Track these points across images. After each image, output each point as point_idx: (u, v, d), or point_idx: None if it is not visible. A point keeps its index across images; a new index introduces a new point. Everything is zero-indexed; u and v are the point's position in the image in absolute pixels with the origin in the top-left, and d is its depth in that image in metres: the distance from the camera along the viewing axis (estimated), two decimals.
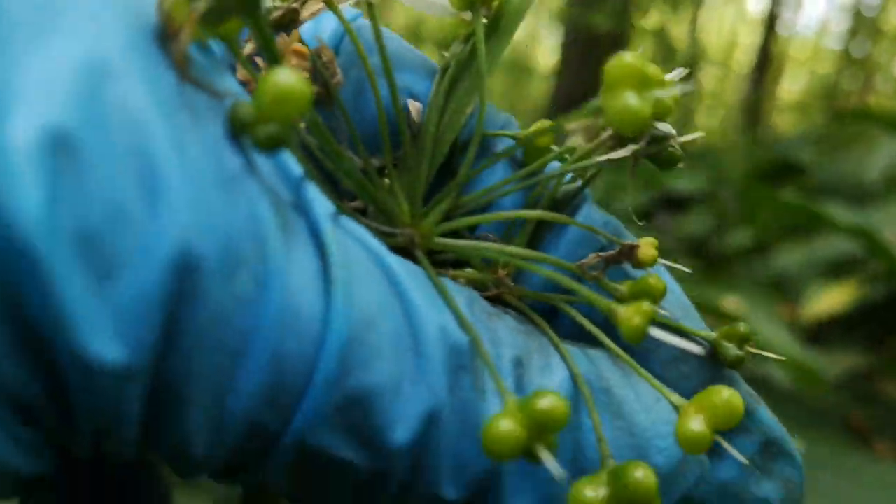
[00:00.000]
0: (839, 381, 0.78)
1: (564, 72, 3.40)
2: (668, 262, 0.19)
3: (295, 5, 0.17)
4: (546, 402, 0.12)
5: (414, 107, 0.18)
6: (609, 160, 0.17)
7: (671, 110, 0.16)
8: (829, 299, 1.02)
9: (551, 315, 0.18)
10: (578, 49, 3.06)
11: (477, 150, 0.18)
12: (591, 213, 0.19)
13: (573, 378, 0.16)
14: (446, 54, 0.19)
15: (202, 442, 0.13)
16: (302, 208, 0.14)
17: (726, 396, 0.15)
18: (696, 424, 0.15)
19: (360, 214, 0.17)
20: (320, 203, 0.14)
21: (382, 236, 0.15)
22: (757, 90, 4.71)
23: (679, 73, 0.17)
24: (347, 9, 0.18)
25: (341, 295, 0.13)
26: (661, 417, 0.16)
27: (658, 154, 0.18)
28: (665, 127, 0.17)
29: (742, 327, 0.18)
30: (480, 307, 0.16)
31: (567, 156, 0.18)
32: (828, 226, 0.75)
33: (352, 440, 0.13)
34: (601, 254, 0.17)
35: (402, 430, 0.13)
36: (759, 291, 0.96)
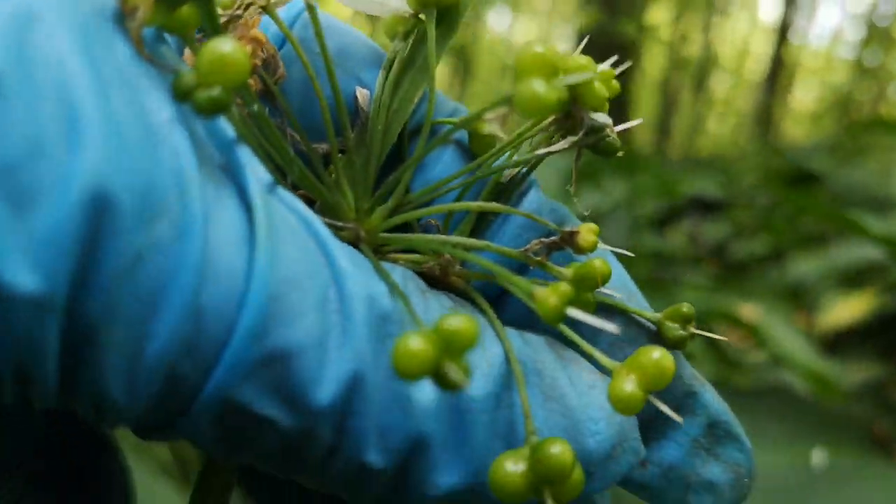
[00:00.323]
0: (860, 390, 0.78)
1: None
2: (611, 248, 0.19)
3: (238, 12, 0.17)
4: (455, 321, 0.12)
5: (361, 94, 0.19)
6: (550, 152, 0.18)
7: (605, 101, 0.17)
8: (846, 309, 1.02)
9: (498, 302, 0.18)
10: (591, 55, 3.06)
11: (427, 138, 0.18)
12: (537, 199, 0.19)
13: (506, 356, 0.16)
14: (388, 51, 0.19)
15: (121, 388, 0.13)
16: (232, 170, 0.14)
17: (656, 357, 0.15)
18: (629, 385, 0.15)
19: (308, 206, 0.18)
20: (252, 167, 0.14)
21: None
22: (769, 99, 4.70)
23: (610, 63, 0.18)
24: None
25: (265, 251, 0.13)
26: (595, 402, 0.16)
27: (596, 144, 0.18)
28: (601, 117, 0.18)
29: (685, 308, 0.18)
30: (415, 284, 0.16)
31: (512, 141, 0.18)
32: (856, 233, 0.74)
33: (274, 397, 0.13)
34: (544, 240, 0.18)
35: (325, 390, 0.13)
36: (775, 299, 0.96)
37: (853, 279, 1.09)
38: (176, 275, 0.12)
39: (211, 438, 0.14)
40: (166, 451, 0.62)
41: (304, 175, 0.17)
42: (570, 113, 0.18)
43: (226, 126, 0.15)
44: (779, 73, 4.88)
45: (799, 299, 1.10)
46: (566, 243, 0.17)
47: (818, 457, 0.54)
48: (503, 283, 0.16)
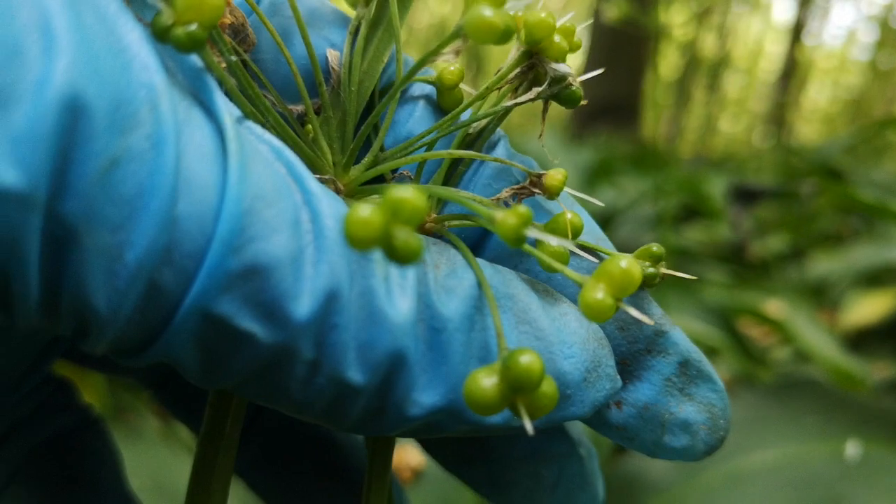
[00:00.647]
0: (885, 387, 0.78)
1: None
2: (579, 193, 0.19)
3: None
4: (402, 191, 0.13)
5: (332, 55, 0.19)
6: (518, 104, 0.19)
7: (566, 53, 0.18)
8: (868, 307, 1.01)
9: (476, 248, 0.19)
10: (605, 52, 3.05)
11: (398, 97, 0.19)
12: (506, 151, 0.19)
13: (478, 283, 0.16)
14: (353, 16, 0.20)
15: (102, 296, 0.13)
16: (201, 96, 0.15)
17: (624, 265, 0.15)
18: (599, 293, 0.15)
19: None
20: (222, 98, 0.15)
21: None
22: (782, 99, 4.68)
23: (567, 17, 0.19)
24: None
25: (237, 168, 0.13)
26: (568, 328, 0.17)
27: (559, 94, 0.19)
28: (563, 67, 0.18)
29: (655, 248, 0.19)
30: None
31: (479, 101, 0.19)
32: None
33: (253, 310, 0.14)
34: (514, 187, 0.18)
35: (303, 304, 0.14)
36: (798, 297, 0.96)
37: (875, 278, 1.09)
38: (151, 183, 0.13)
39: (192, 357, 0.14)
40: (189, 435, 0.63)
41: (282, 128, 0.17)
42: (532, 65, 0.18)
43: (194, 59, 0.15)
44: (792, 73, 4.86)
45: (821, 297, 1.10)
46: (535, 186, 0.18)
47: (852, 449, 0.54)
48: (465, 204, 0.16)
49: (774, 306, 0.87)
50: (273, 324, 0.14)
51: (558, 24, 0.18)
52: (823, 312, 1.04)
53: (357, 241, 0.12)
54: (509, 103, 0.19)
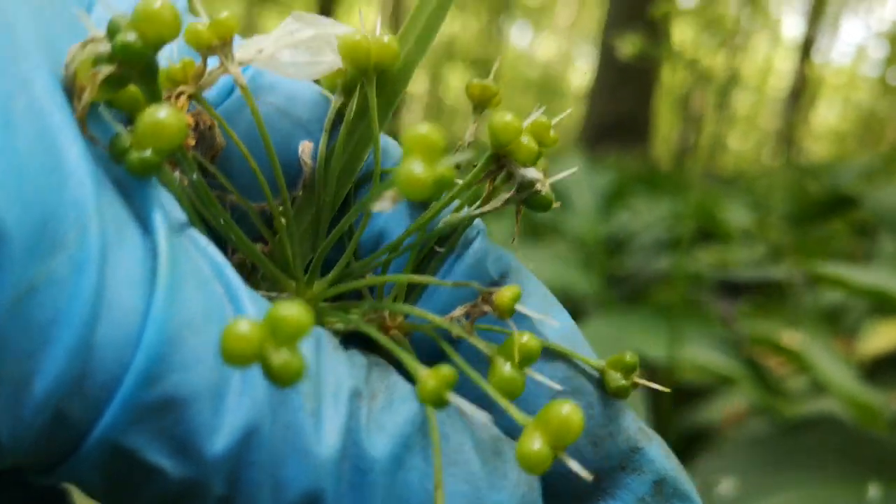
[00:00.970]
0: None
1: (597, 96, 3.40)
2: (535, 314, 0.18)
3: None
4: (284, 309, 0.12)
5: (305, 148, 0.19)
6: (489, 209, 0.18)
7: (535, 156, 0.17)
8: (885, 336, 1.01)
9: (443, 355, 0.18)
10: (612, 73, 3.06)
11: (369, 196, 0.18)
12: (482, 247, 0.19)
13: (414, 419, 0.15)
14: (331, 101, 0.19)
15: (6, 425, 0.12)
16: (140, 211, 0.14)
17: (565, 412, 0.14)
18: (536, 443, 0.14)
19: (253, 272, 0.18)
20: (162, 208, 0.14)
21: (267, 300, 0.16)
22: (791, 116, 4.68)
23: (539, 112, 0.18)
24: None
25: (165, 292, 0.13)
26: (499, 470, 0.16)
27: (528, 199, 0.18)
28: (531, 172, 0.18)
29: (629, 357, 0.18)
30: (329, 341, 0.16)
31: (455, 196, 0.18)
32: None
33: (165, 445, 0.13)
34: (466, 305, 0.18)
35: (219, 440, 0.13)
36: (813, 325, 0.96)
37: (890, 303, 1.08)
38: (68, 310, 0.12)
39: (97, 485, 0.14)
40: None
41: (244, 243, 0.17)
42: (502, 165, 0.18)
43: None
44: (802, 90, 4.86)
45: (836, 324, 1.09)
46: (486, 303, 0.17)
47: (874, 491, 0.54)
48: (394, 351, 0.16)
49: (790, 336, 0.87)
50: (185, 459, 0.13)
51: (527, 122, 0.17)
52: (839, 340, 1.04)
53: (231, 357, 0.12)
54: (476, 212, 0.18)
